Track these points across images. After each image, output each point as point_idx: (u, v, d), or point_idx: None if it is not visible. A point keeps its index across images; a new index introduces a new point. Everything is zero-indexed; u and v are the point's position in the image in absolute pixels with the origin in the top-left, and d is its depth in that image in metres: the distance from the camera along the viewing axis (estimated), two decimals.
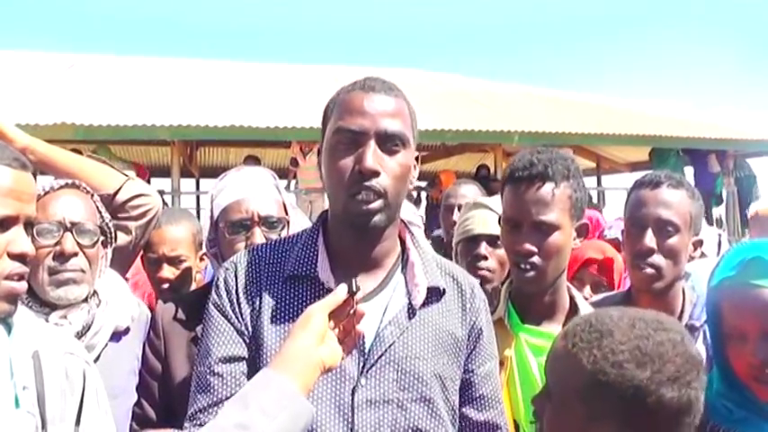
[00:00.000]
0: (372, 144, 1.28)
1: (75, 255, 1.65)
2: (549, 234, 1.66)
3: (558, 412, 1.20)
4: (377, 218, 1.29)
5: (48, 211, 1.64)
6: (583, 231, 1.76)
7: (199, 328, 1.79)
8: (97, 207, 1.77)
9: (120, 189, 1.95)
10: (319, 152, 1.41)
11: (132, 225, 1.97)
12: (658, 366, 1.11)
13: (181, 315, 1.86)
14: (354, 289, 1.14)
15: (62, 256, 1.63)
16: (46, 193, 1.67)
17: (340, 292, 1.14)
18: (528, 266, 1.69)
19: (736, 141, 9.34)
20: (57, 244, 1.63)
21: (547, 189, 1.67)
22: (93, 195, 1.77)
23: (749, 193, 9.40)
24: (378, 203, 1.28)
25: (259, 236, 1.76)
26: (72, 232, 1.65)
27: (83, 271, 1.66)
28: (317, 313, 1.12)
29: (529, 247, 1.67)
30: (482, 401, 1.44)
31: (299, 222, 1.93)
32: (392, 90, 1.34)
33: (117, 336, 1.79)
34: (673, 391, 1.11)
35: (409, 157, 1.34)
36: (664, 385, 1.10)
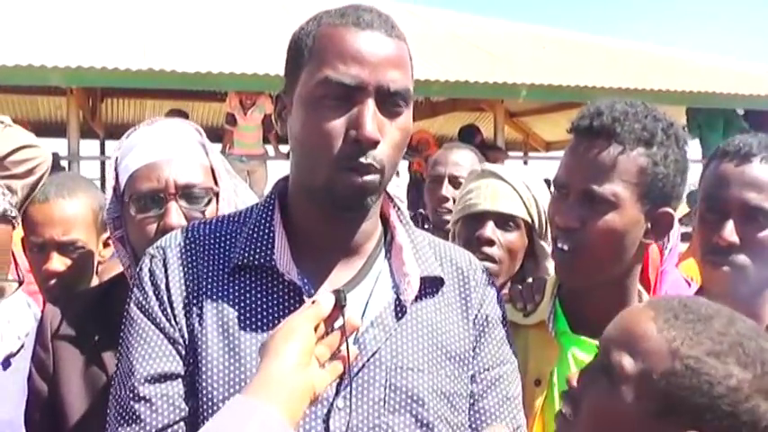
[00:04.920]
0: (371, 104, 1.25)
1: None
2: (600, 211, 1.61)
3: (620, 393, 1.24)
4: (370, 198, 1.30)
5: None
6: (663, 224, 1.68)
7: (99, 338, 1.78)
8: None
9: None
10: (277, 100, 1.39)
11: (17, 185, 1.92)
12: (761, 373, 1.19)
13: (76, 320, 1.83)
14: (343, 302, 1.17)
15: None
16: None
17: (325, 305, 1.15)
18: (565, 246, 1.66)
19: None
20: None
21: (609, 152, 1.61)
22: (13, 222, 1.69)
23: None
24: (374, 178, 1.27)
25: (175, 213, 1.72)
26: None
27: None
28: (302, 325, 1.13)
29: (568, 220, 1.64)
30: (482, 416, 1.42)
31: (244, 198, 1.89)
32: (393, 28, 1.32)
33: (5, 361, 1.79)
34: (766, 404, 1.19)
35: (410, 119, 1.34)
36: (762, 395, 1.18)
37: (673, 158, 1.63)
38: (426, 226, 3.56)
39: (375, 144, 1.24)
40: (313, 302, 1.17)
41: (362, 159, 1.24)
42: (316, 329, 1.14)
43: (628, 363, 1.24)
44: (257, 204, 1.44)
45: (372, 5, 1.34)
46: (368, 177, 1.26)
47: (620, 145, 1.60)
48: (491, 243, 2.23)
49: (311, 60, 1.29)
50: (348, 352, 1.19)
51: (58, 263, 2.20)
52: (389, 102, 1.27)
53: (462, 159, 3.20)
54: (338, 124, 1.25)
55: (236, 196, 1.87)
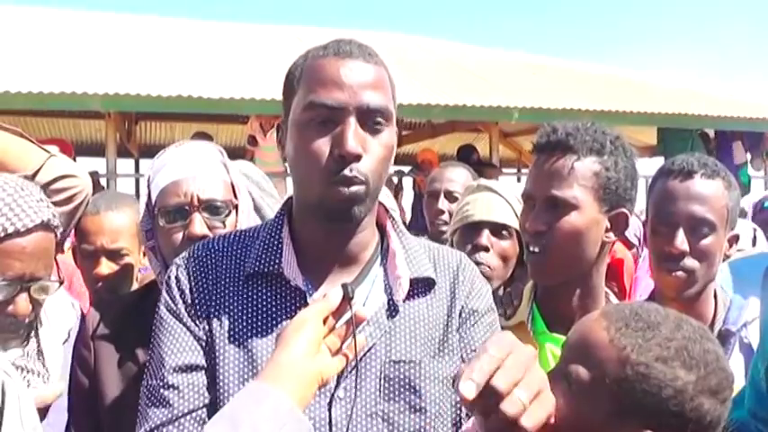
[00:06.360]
0: (353, 122, 1.27)
1: (27, 314, 1.61)
2: (563, 213, 1.65)
3: (577, 400, 1.25)
4: (357, 208, 1.30)
5: (5, 262, 1.56)
6: (620, 224, 1.72)
7: (133, 337, 1.80)
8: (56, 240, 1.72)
9: (40, 169, 1.92)
10: (278, 128, 1.41)
11: (57, 212, 1.94)
12: (704, 373, 1.21)
13: (114, 321, 1.86)
14: (351, 294, 1.17)
15: (12, 317, 1.59)
16: (7, 236, 1.55)
17: (333, 298, 1.17)
18: (536, 249, 1.69)
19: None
20: (8, 302, 1.58)
21: (565, 161, 1.66)
22: (56, 230, 1.70)
23: None
24: (359, 189, 1.28)
25: (198, 223, 1.76)
26: (29, 291, 1.60)
27: (30, 324, 1.66)
28: (312, 318, 1.14)
29: (536, 225, 1.68)
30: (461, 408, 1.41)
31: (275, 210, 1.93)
32: (371, 56, 1.34)
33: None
34: (711, 403, 1.20)
35: (393, 136, 1.35)
36: (705, 395, 1.20)
37: (622, 165, 1.69)
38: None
39: (358, 158, 1.26)
40: (324, 296, 1.19)
41: (347, 172, 1.26)
42: (325, 322, 1.15)
43: (582, 371, 1.26)
44: (269, 220, 1.46)
45: (353, 38, 1.37)
46: (353, 188, 1.27)
47: (575, 154, 1.65)
48: (486, 249, 2.26)
49: (299, 90, 1.33)
50: (355, 342, 1.21)
51: (105, 267, 2.26)
52: (370, 119, 1.29)
53: (457, 176, 3.23)
54: (324, 143, 1.28)
55: (270, 209, 1.89)
